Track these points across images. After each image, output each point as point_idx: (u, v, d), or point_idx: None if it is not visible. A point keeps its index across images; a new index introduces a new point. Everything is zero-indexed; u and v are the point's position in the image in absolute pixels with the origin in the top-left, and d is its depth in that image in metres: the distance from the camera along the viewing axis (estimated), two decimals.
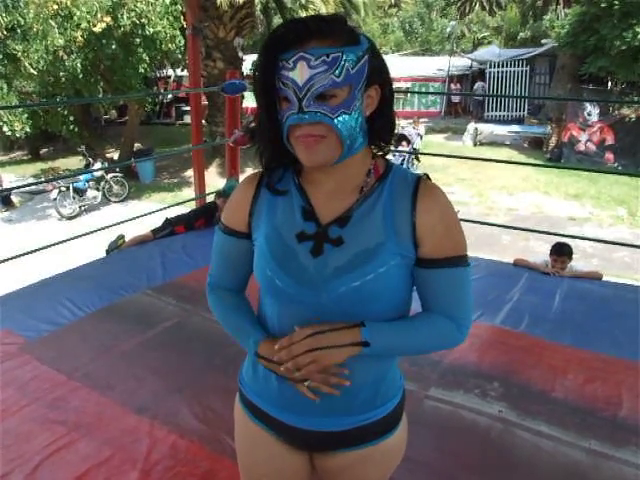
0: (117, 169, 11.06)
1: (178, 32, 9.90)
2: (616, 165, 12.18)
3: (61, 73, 9.60)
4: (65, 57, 9.37)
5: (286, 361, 0.93)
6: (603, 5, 10.83)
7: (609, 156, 12.35)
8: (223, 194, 4.49)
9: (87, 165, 10.99)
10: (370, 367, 1.02)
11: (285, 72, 0.88)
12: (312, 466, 1.16)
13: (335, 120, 0.89)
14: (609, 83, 14.50)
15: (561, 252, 3.74)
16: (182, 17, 9.53)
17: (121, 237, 4.13)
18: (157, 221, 4.37)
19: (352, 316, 0.94)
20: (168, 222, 4.33)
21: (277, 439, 1.10)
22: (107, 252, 4.07)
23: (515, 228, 5.50)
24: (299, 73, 0.87)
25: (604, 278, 3.69)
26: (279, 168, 1.04)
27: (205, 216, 4.49)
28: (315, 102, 0.88)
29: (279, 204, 1.02)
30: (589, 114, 12.58)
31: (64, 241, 3.55)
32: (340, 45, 0.88)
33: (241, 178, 4.69)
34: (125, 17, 9.22)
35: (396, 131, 1.02)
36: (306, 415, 1.04)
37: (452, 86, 18.80)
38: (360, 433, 1.06)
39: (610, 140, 12.39)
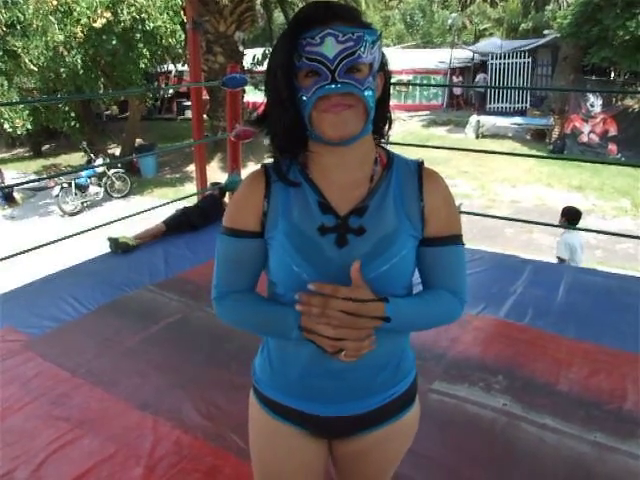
0: (119, 165, 11.05)
1: (178, 27, 9.86)
2: (619, 156, 12.11)
3: (61, 69, 9.58)
4: (65, 53, 9.34)
5: (319, 311, 0.91)
6: None
7: (612, 147, 12.27)
8: (225, 189, 4.47)
9: (89, 161, 10.97)
10: (394, 344, 1.06)
11: (311, 48, 0.90)
12: (330, 452, 1.17)
13: (365, 92, 0.92)
14: (612, 74, 14.43)
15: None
16: (182, 11, 9.48)
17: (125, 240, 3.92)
18: (159, 217, 4.32)
19: None
20: (185, 222, 4.26)
21: (298, 431, 1.10)
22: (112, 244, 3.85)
23: (518, 220, 5.46)
24: (329, 47, 0.89)
25: (608, 270, 3.67)
26: (285, 161, 1.03)
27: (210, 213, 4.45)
28: (346, 74, 0.90)
29: (292, 200, 1.00)
30: (592, 105, 12.49)
31: (62, 238, 3.54)
32: (361, 27, 0.92)
33: (243, 173, 4.67)
34: (125, 12, 9.18)
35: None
36: (329, 403, 1.05)
37: (454, 78, 18.69)
38: (382, 412, 1.08)
39: (613, 131, 12.31)
